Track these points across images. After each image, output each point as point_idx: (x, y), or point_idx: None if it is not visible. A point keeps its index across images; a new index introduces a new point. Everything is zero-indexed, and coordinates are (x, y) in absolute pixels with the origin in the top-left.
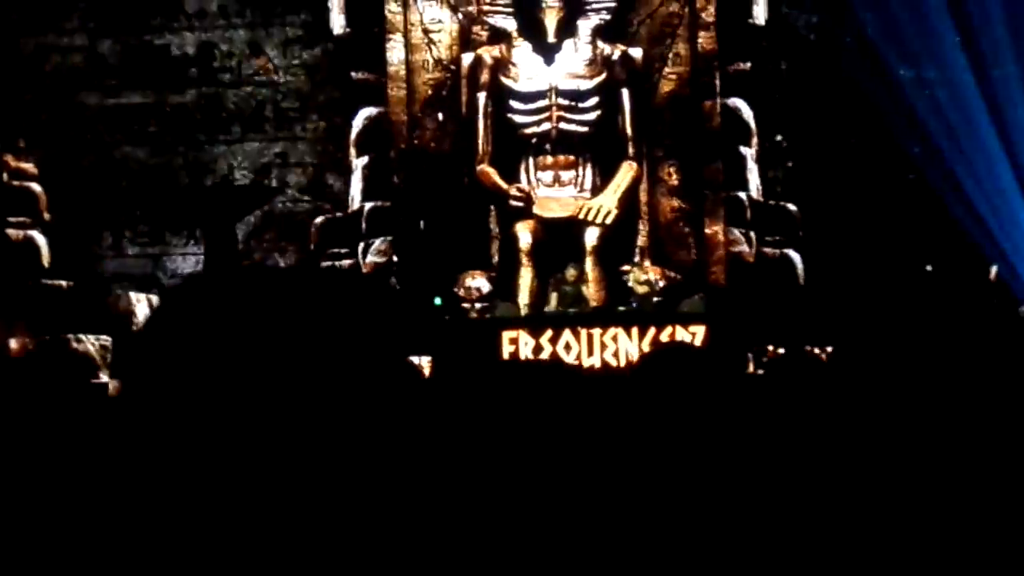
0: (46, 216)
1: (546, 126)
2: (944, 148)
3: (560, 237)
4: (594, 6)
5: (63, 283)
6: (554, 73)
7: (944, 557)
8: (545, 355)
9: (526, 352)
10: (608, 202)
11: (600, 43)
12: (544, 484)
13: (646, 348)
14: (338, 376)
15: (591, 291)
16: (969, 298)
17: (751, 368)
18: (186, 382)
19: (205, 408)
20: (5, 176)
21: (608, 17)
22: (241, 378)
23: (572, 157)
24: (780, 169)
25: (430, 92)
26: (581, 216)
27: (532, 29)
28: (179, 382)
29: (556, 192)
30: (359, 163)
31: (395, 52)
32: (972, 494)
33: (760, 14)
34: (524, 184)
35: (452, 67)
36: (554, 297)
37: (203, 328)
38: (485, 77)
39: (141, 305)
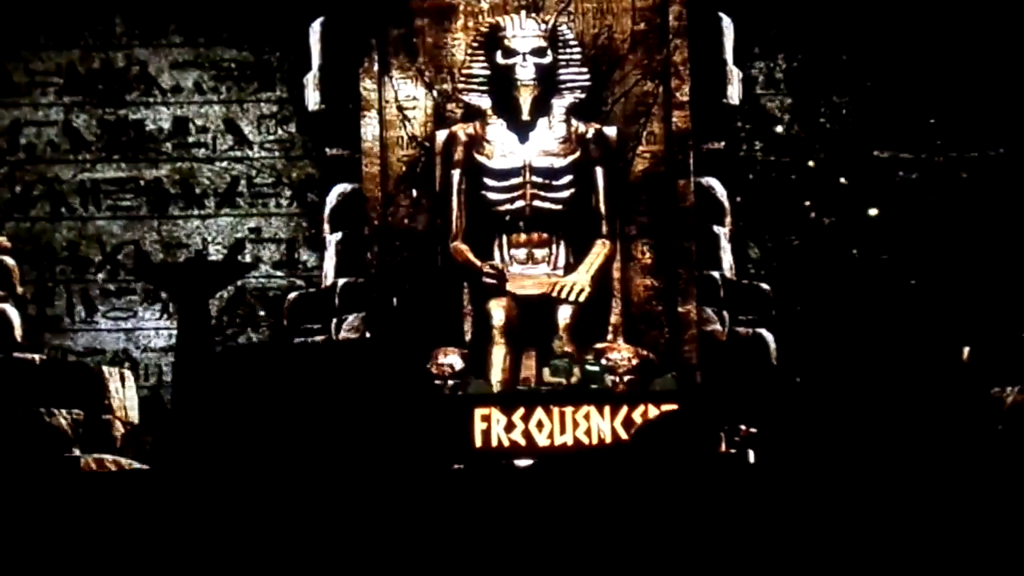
0: (19, 289)
1: (520, 203)
2: (918, 227)
3: (533, 315)
4: (569, 85)
5: (35, 357)
6: (528, 151)
7: None
8: (517, 433)
9: (498, 430)
10: (581, 280)
11: (574, 121)
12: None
13: (618, 427)
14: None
15: None
16: (941, 378)
17: (723, 447)
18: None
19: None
20: None
21: (583, 96)
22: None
23: (545, 235)
24: (753, 248)
25: (404, 169)
26: (554, 294)
27: (507, 107)
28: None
29: (529, 269)
30: (333, 239)
31: (369, 128)
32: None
33: (734, 94)
34: (497, 261)
35: (426, 144)
36: (546, 371)
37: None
38: (459, 154)
39: (113, 379)
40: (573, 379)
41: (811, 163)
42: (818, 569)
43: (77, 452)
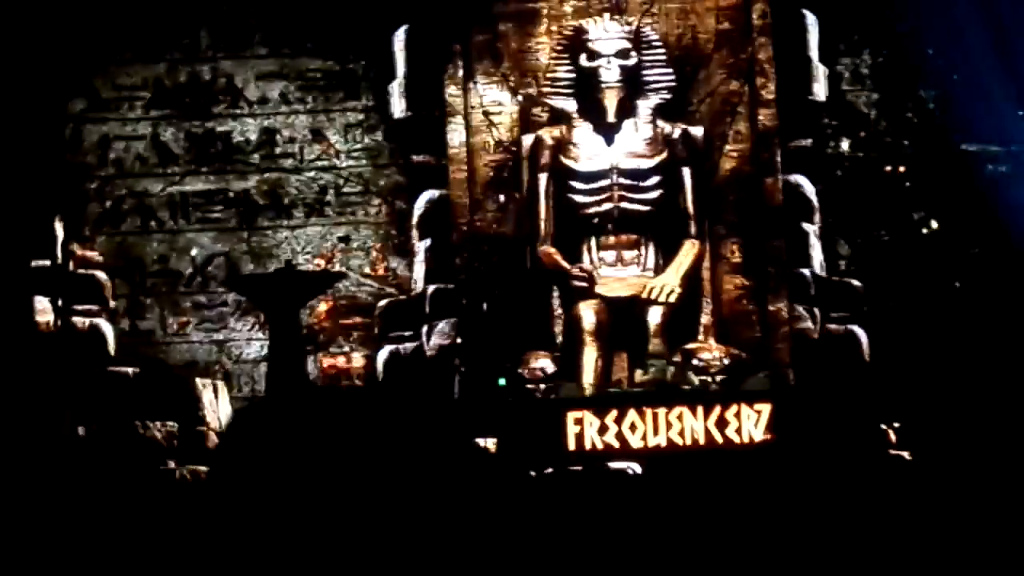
0: (112, 304)
1: (607, 206)
2: (1010, 222)
3: (623, 317)
4: (654, 86)
5: (129, 370)
6: (615, 153)
7: None
8: (611, 435)
9: (591, 433)
10: (671, 280)
11: (660, 122)
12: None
13: (711, 427)
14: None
15: None
16: None
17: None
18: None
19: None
20: (71, 265)
21: (668, 96)
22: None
23: (634, 236)
24: (843, 245)
25: (491, 174)
26: (644, 295)
27: (592, 110)
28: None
29: (619, 271)
30: (421, 246)
31: (456, 135)
32: None
33: (820, 91)
34: (586, 264)
35: (513, 148)
36: (639, 373)
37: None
38: (546, 158)
39: (207, 391)
40: (664, 379)
41: (900, 168)
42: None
43: (172, 464)
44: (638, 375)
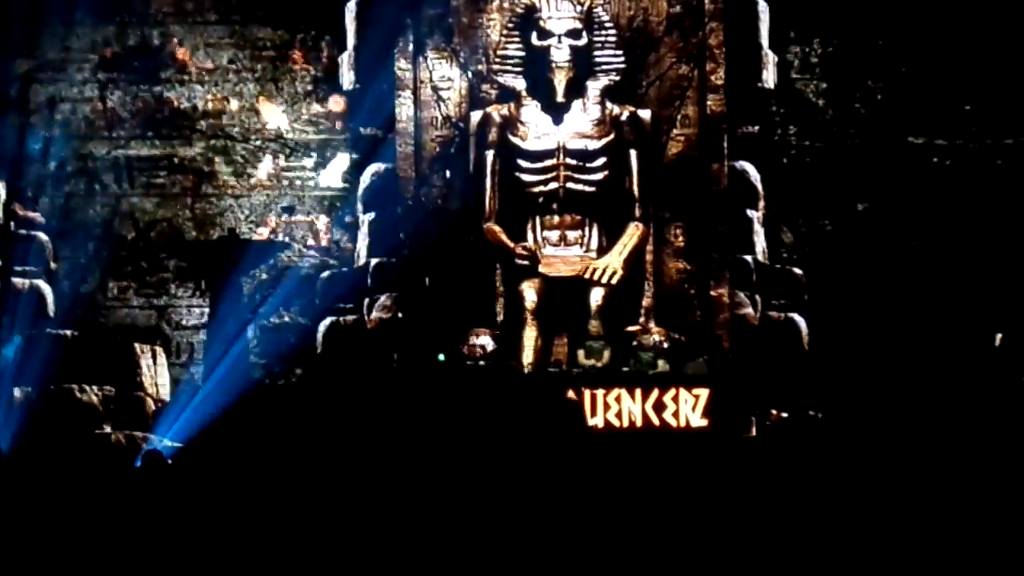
0: (52, 265)
1: (553, 185)
2: (952, 214)
3: (565, 296)
4: (603, 67)
5: (68, 333)
6: (562, 133)
7: None
8: None
9: None
10: (614, 262)
11: (609, 104)
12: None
13: (649, 410)
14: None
15: None
16: (974, 364)
17: (752, 431)
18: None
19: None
20: (12, 225)
21: (617, 78)
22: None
23: (579, 217)
24: (786, 233)
25: (438, 149)
26: (587, 276)
27: (541, 88)
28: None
29: (562, 251)
30: (366, 219)
31: (404, 109)
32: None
33: (769, 78)
34: (530, 243)
35: (460, 125)
36: (581, 353)
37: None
38: (493, 135)
39: (145, 356)
40: (600, 363)
41: (845, 157)
42: (843, 556)
43: (108, 428)
44: (579, 356)
